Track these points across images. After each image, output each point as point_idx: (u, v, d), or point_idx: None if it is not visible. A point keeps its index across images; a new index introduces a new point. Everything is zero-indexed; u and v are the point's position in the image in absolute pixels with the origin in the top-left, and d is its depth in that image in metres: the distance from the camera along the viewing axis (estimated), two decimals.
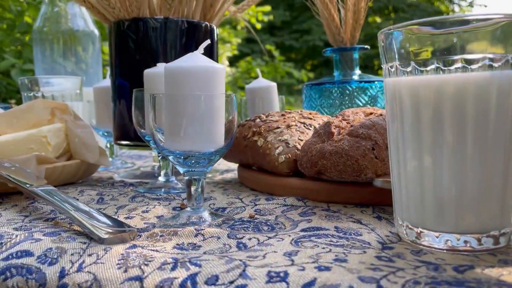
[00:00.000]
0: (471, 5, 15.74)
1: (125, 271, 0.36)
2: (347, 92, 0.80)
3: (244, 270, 0.34)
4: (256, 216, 0.52)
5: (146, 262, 0.36)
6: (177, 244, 0.42)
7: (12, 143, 0.68)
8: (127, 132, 0.77)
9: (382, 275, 0.32)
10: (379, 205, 0.54)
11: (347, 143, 0.52)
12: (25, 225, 0.50)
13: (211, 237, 0.43)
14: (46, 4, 1.11)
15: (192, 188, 0.50)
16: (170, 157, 0.50)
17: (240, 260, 0.36)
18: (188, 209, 0.50)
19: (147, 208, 0.57)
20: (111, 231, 0.43)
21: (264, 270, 0.34)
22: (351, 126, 0.55)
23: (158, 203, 0.59)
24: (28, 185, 0.56)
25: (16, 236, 0.45)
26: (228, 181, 0.75)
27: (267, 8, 5.61)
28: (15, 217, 0.55)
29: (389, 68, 0.41)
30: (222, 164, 0.98)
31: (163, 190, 0.65)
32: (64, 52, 1.12)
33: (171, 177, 0.67)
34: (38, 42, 1.11)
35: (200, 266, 0.35)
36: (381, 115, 0.56)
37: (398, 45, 0.39)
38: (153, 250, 0.40)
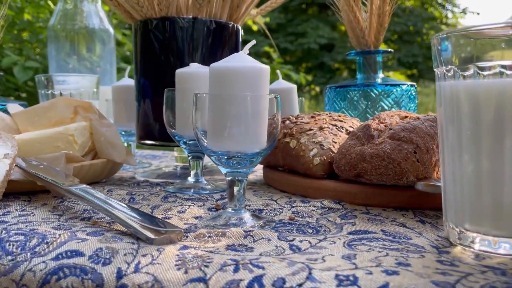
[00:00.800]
0: (464, 11, 15.89)
1: (186, 272, 0.35)
2: (372, 95, 0.80)
3: (310, 273, 0.33)
4: (296, 218, 0.52)
5: (205, 264, 0.36)
6: (228, 245, 0.42)
7: (38, 141, 0.68)
8: (152, 132, 0.77)
9: (455, 279, 0.32)
10: (418, 209, 0.53)
11: (389, 146, 0.52)
12: (63, 224, 0.49)
13: (261, 238, 0.43)
14: (61, 2, 1.10)
15: (235, 189, 0.49)
16: (212, 157, 0.50)
17: (302, 263, 0.35)
18: (229, 210, 0.50)
19: (182, 208, 0.56)
20: (158, 231, 0.43)
21: (331, 274, 0.33)
22: (390, 129, 0.55)
23: (192, 203, 0.59)
24: (62, 184, 0.55)
25: (59, 235, 0.44)
26: (253, 182, 0.75)
27: None
28: (49, 216, 0.54)
29: (445, 72, 0.41)
30: None
31: (192, 190, 0.65)
32: (75, 50, 1.11)
33: (201, 178, 0.66)
34: (53, 40, 1.10)
35: (263, 268, 0.35)
36: (418, 118, 0.56)
37: (457, 49, 0.39)
38: (208, 251, 0.39)
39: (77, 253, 0.40)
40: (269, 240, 0.43)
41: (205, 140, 0.50)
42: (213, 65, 0.48)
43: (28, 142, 0.67)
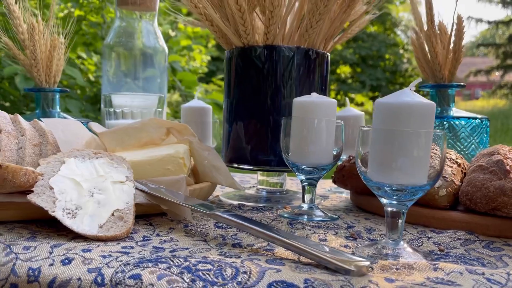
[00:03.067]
0: None
1: None
2: (451, 127, 0.84)
3: None
4: (445, 249, 0.54)
5: None
6: (425, 278, 0.43)
7: (148, 163, 0.67)
8: (244, 155, 0.78)
9: None
10: None
11: None
12: (224, 251, 0.50)
13: (452, 272, 0.45)
14: (118, 19, 1.09)
15: (399, 221, 0.51)
16: (374, 188, 0.51)
17: None
18: (389, 240, 0.51)
19: (319, 236, 0.57)
20: (353, 262, 0.44)
21: None
22: None
23: (324, 231, 0.59)
24: (209, 211, 0.55)
25: (242, 263, 0.44)
26: (348, 208, 0.76)
27: None
28: (194, 242, 0.54)
29: None
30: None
31: (306, 217, 0.65)
32: (128, 68, 1.10)
33: (313, 204, 0.67)
34: (106, 57, 1.09)
35: None
36: None
37: None
38: (419, 285, 0.41)
39: (289, 285, 0.40)
40: (461, 273, 0.44)
41: (366, 171, 0.51)
42: (382, 100, 0.50)
43: (139, 164, 0.66)
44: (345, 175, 0.75)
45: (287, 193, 0.85)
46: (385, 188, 0.50)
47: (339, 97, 14.21)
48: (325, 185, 1.05)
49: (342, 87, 14.54)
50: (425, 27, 0.87)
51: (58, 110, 0.92)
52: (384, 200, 0.51)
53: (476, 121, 0.84)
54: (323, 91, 0.80)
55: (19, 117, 0.71)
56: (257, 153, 0.77)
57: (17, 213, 0.58)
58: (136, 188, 0.62)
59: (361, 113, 0.95)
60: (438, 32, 0.89)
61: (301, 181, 0.67)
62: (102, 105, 0.94)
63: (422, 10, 0.94)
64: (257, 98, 0.76)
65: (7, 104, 2.86)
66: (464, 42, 0.87)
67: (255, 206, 0.73)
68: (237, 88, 0.79)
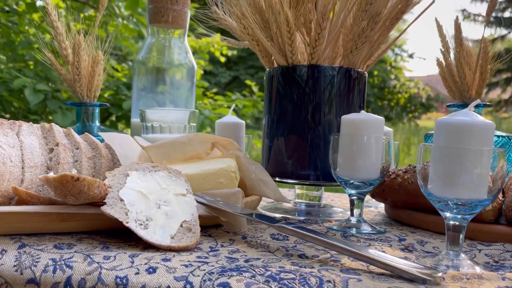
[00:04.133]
0: (411, 56, 16.88)
1: None
2: None
3: None
4: (499, 261, 0.57)
5: None
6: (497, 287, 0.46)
7: (202, 177, 0.69)
8: (285, 169, 0.80)
9: None
10: None
11: None
12: (295, 262, 0.52)
13: None
14: (150, 36, 1.11)
15: (460, 235, 0.54)
16: (435, 202, 0.54)
17: None
18: (450, 252, 0.54)
19: (376, 248, 0.60)
20: (426, 272, 0.46)
21: None
22: None
23: (378, 243, 0.62)
24: (276, 223, 0.58)
25: (320, 272, 0.47)
26: (387, 221, 0.79)
27: None
28: (261, 253, 0.56)
29: None
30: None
31: (354, 230, 0.68)
32: (157, 83, 1.12)
33: (361, 218, 0.70)
34: (137, 72, 1.11)
35: None
36: None
37: None
38: None
39: None
40: None
41: (428, 185, 0.54)
42: (444, 120, 0.53)
43: (194, 177, 0.69)
44: (385, 190, 0.78)
45: (324, 206, 0.87)
46: (448, 202, 0.53)
47: None
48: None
49: None
50: (453, 50, 0.91)
51: (98, 124, 0.94)
52: (446, 214, 0.54)
53: (505, 139, 0.87)
54: (361, 108, 0.83)
55: (72, 130, 0.73)
56: (298, 167, 0.80)
57: (83, 224, 0.60)
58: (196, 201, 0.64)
59: (389, 129, 0.98)
60: (465, 54, 0.93)
61: (350, 195, 0.70)
62: (137, 120, 0.97)
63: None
64: (298, 114, 0.79)
65: (8, 115, 2.86)
66: None
67: (298, 219, 0.76)
68: (278, 105, 0.82)
